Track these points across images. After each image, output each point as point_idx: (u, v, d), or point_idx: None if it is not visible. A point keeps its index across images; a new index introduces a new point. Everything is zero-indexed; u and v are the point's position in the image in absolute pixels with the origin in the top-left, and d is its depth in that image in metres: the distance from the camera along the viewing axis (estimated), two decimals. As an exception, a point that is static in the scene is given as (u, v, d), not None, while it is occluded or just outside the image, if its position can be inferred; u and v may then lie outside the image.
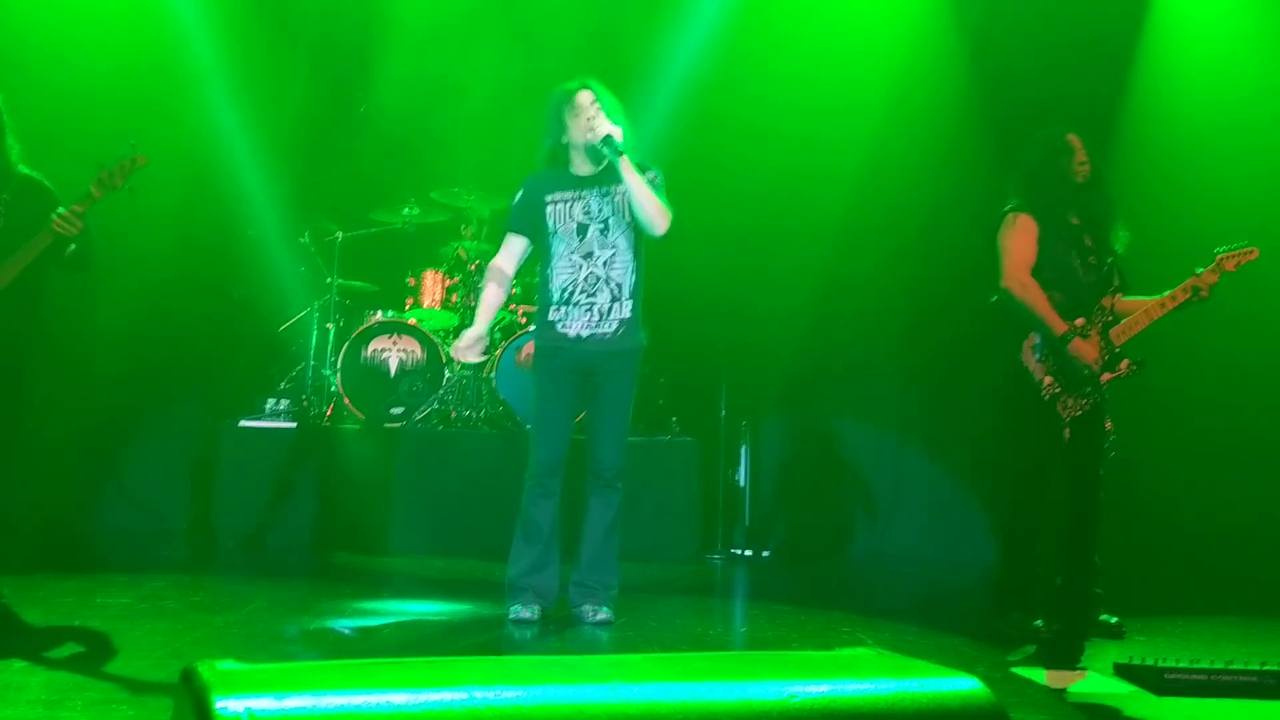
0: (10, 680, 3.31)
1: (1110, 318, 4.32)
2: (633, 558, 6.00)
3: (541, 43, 6.89)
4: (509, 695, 1.53)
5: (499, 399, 6.48)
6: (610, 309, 4.33)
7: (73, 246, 4.18)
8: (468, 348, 4.36)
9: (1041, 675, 3.86)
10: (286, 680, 1.52)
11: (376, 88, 7.04)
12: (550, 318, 4.37)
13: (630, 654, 3.67)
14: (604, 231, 4.33)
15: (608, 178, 4.32)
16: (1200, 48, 6.76)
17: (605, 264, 4.33)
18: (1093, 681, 3.83)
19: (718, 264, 6.99)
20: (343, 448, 6.25)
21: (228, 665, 1.59)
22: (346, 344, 6.55)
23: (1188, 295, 4.34)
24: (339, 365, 6.52)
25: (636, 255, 4.39)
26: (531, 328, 6.58)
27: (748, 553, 6.54)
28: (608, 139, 4.19)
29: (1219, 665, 3.64)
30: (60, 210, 4.09)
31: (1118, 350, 4.30)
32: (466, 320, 6.72)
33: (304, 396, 6.67)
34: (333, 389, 6.61)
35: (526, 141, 6.71)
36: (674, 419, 6.74)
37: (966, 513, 6.75)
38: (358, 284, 7.07)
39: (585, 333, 4.32)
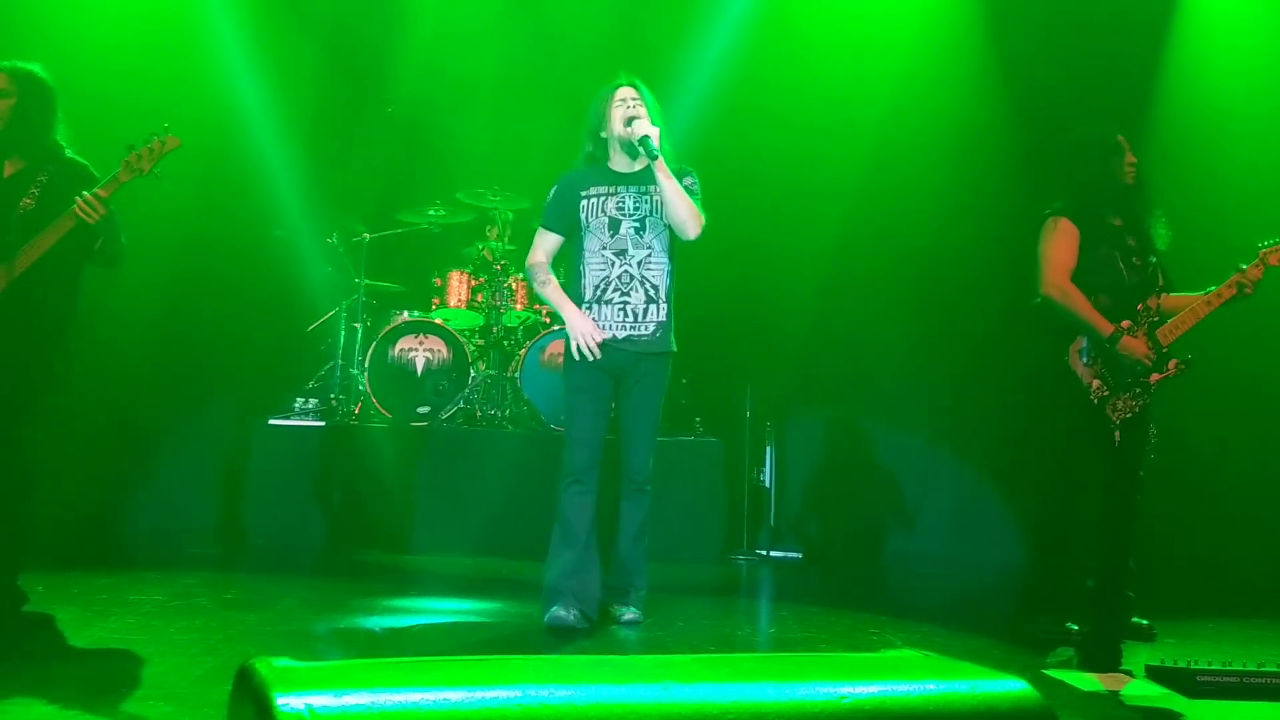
0: (47, 676, 3.35)
1: (1156, 318, 4.30)
2: (658, 558, 6.00)
3: (566, 43, 6.91)
4: (562, 694, 1.55)
5: (524, 398, 6.49)
6: (646, 310, 4.30)
7: (100, 240, 4.05)
8: (590, 330, 4.24)
9: (1074, 678, 3.86)
10: (344, 678, 1.54)
11: (403, 89, 7.07)
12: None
13: (680, 655, 3.68)
14: (639, 230, 4.30)
15: (646, 176, 4.27)
16: (1232, 36, 6.71)
17: (640, 264, 4.30)
18: (1127, 685, 3.83)
19: (741, 264, 7.00)
20: (370, 446, 6.28)
21: (284, 662, 1.60)
22: (374, 343, 6.58)
23: (1233, 292, 4.30)
24: (366, 364, 6.56)
25: (671, 258, 4.36)
26: (556, 328, 6.61)
27: (773, 553, 6.53)
28: (644, 139, 4.15)
29: (1251, 668, 3.63)
30: (84, 193, 3.93)
31: (1165, 350, 4.28)
32: (491, 320, 6.75)
33: (332, 395, 6.71)
34: (360, 388, 6.64)
35: (551, 142, 6.80)
36: (698, 419, 6.74)
37: (994, 514, 6.72)
38: (385, 284, 7.11)
39: (621, 334, 4.28)
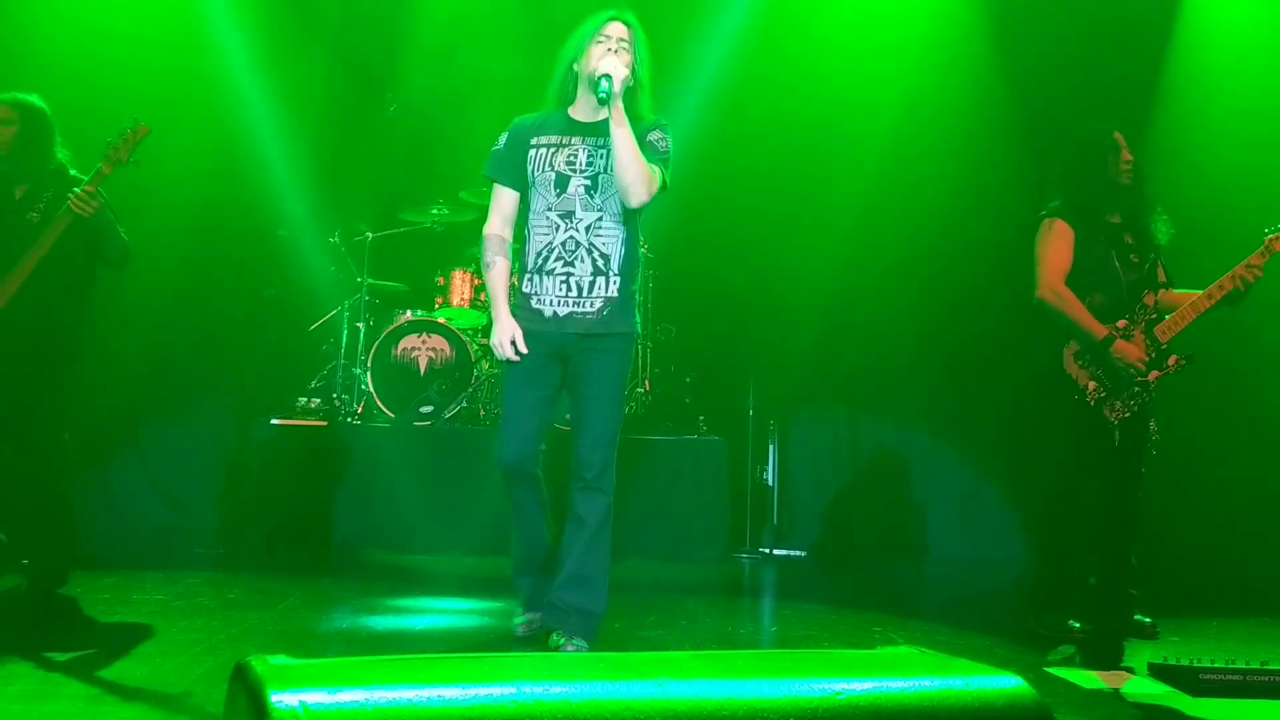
0: (50, 676, 3.36)
1: (1154, 315, 4.29)
2: (661, 557, 6.05)
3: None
4: (557, 690, 1.55)
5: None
6: (592, 284, 3.72)
7: (105, 238, 4.41)
8: (508, 341, 3.72)
9: (1076, 675, 3.85)
10: (339, 675, 1.54)
11: (405, 88, 7.08)
12: (524, 289, 3.81)
13: (677, 651, 3.67)
14: (590, 190, 3.71)
15: (608, 127, 3.63)
16: (1236, 32, 6.68)
17: (589, 229, 3.72)
18: (1128, 682, 3.82)
19: (745, 261, 7.01)
20: (373, 446, 6.28)
21: (280, 660, 1.61)
22: (376, 343, 6.59)
23: (1234, 284, 4.28)
24: (369, 364, 6.56)
25: (627, 225, 3.77)
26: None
27: (776, 552, 6.53)
28: (601, 78, 3.56)
29: (1254, 666, 3.62)
30: (74, 189, 4.27)
31: (1164, 347, 4.26)
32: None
33: (335, 395, 6.72)
34: (363, 387, 6.65)
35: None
36: (701, 418, 6.74)
37: (998, 512, 6.71)
38: (387, 283, 7.11)
39: (563, 311, 3.72)
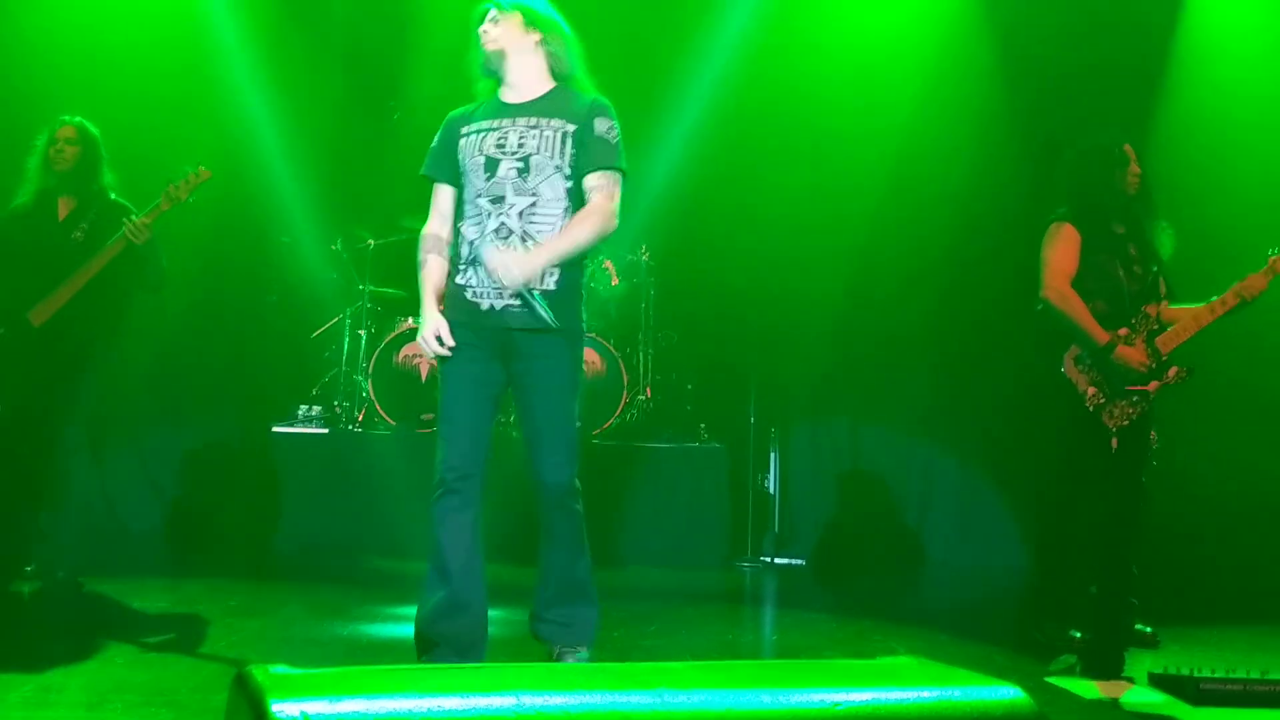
0: (50, 683, 3.37)
1: (1155, 325, 4.30)
2: (662, 564, 6.05)
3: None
4: (557, 701, 1.55)
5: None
6: None
7: (149, 265, 4.85)
8: (432, 336, 3.44)
9: (1076, 685, 3.86)
10: (339, 684, 1.55)
11: (409, 96, 7.08)
12: (457, 281, 3.52)
13: (675, 662, 3.67)
14: (522, 172, 3.44)
15: (541, 106, 3.50)
16: (1238, 44, 6.69)
17: (522, 214, 3.42)
18: (1128, 691, 3.82)
19: (746, 270, 7.00)
20: (374, 453, 6.29)
21: (280, 669, 1.61)
22: (378, 350, 6.60)
23: (1236, 300, 4.30)
24: (370, 371, 6.57)
25: (570, 211, 3.47)
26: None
27: (777, 560, 6.52)
28: (523, 296, 3.35)
29: (1255, 675, 3.62)
30: (132, 218, 4.74)
31: (1165, 358, 4.27)
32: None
33: (336, 402, 6.72)
34: (364, 395, 6.65)
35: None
36: (702, 425, 6.75)
37: (999, 520, 6.71)
38: (390, 291, 7.12)
39: (498, 304, 3.41)
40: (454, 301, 3.50)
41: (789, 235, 7.00)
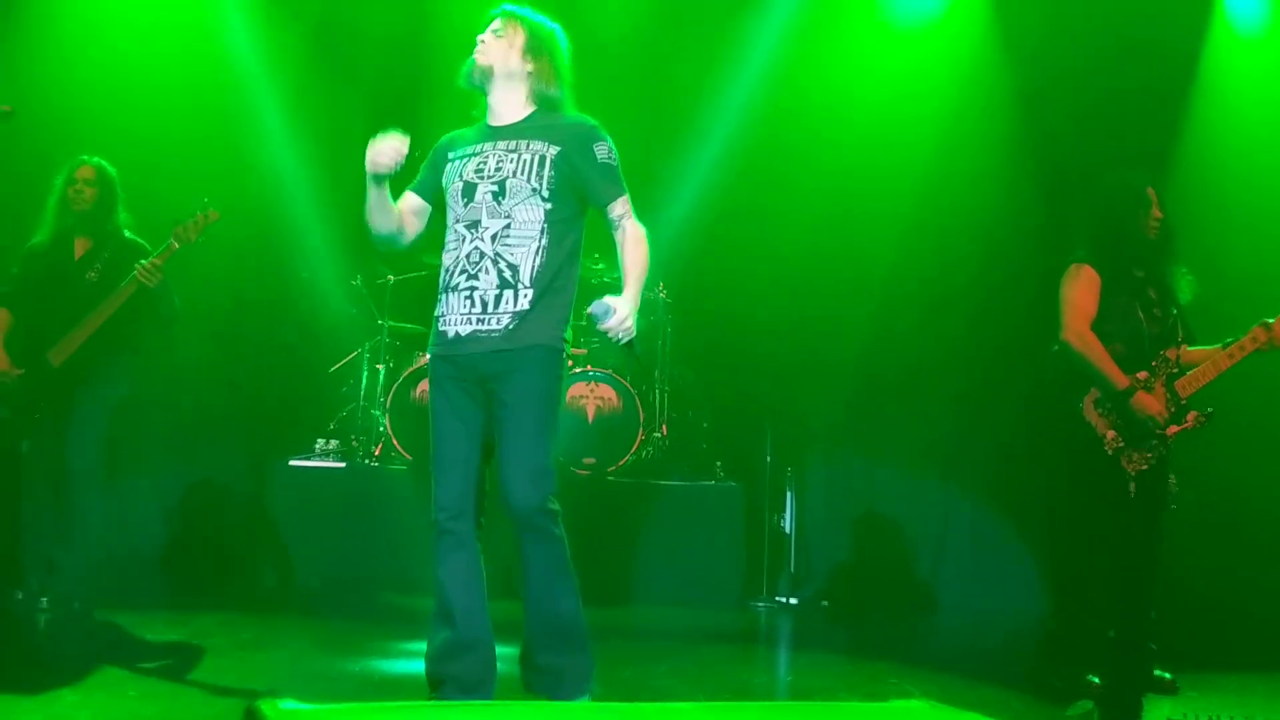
0: (60, 714, 3.36)
1: (1174, 369, 4.27)
2: (675, 603, 6.01)
3: (594, 86, 6.93)
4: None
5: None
6: (499, 298, 3.34)
7: (162, 304, 5.01)
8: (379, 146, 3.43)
9: (1093, 731, 3.81)
10: (342, 720, 1.54)
11: (429, 132, 7.13)
12: (436, 312, 3.49)
13: (684, 703, 3.63)
14: (497, 196, 3.38)
15: (524, 129, 3.46)
16: (1258, 81, 6.70)
17: (495, 237, 3.35)
18: (1146, 739, 3.77)
19: (763, 308, 7.00)
20: (390, 488, 6.29)
21: (290, 704, 1.61)
22: (396, 385, 6.62)
23: (1255, 345, 4.28)
24: (388, 406, 6.59)
25: (547, 233, 3.39)
26: (576, 370, 6.63)
27: (792, 600, 6.47)
28: (629, 344, 3.35)
29: (1276, 724, 3.57)
30: (143, 261, 4.90)
31: (1184, 402, 4.24)
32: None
33: (353, 436, 6.74)
34: (381, 429, 6.67)
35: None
36: (718, 464, 6.72)
37: (1015, 562, 6.64)
38: (408, 326, 7.15)
39: (465, 330, 3.36)
40: (433, 333, 3.50)
41: (807, 274, 7.01)
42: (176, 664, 4.08)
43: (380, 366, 6.88)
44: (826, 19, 7.10)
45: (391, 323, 6.97)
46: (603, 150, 3.45)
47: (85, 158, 5.17)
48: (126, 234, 5.20)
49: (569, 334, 3.47)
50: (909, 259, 6.90)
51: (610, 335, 3.25)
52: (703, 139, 7.15)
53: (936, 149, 6.88)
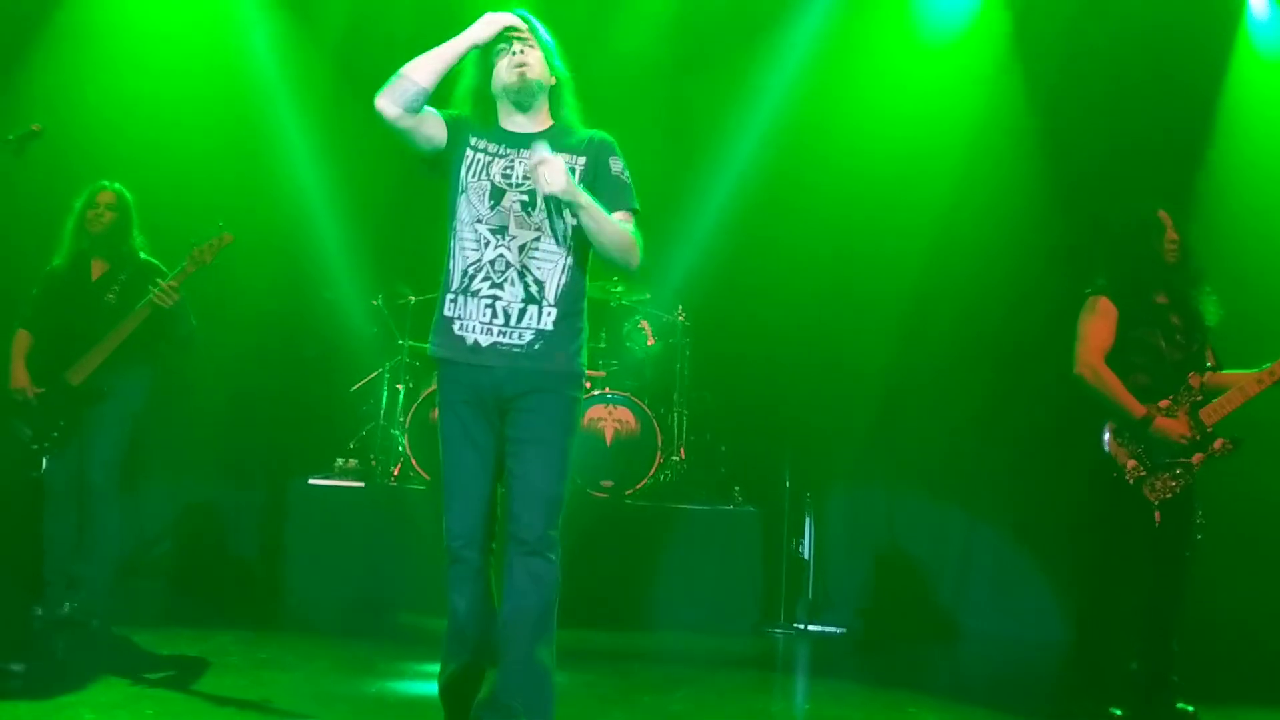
0: (80, 731, 3.37)
1: (1199, 397, 4.24)
2: (692, 629, 5.99)
3: (615, 107, 6.93)
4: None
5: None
6: (522, 312, 3.25)
7: (180, 325, 5.11)
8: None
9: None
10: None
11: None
12: (445, 312, 3.33)
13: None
14: (527, 207, 3.27)
15: (549, 138, 3.26)
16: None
17: (524, 249, 3.25)
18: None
19: (782, 331, 6.99)
20: (409, 508, 6.30)
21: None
22: (415, 405, 6.63)
23: None
24: (407, 425, 6.60)
25: (573, 253, 3.31)
26: (596, 392, 6.63)
27: (811, 627, 6.43)
28: (552, 200, 3.21)
29: (1301, 760, 3.52)
30: (160, 282, 5.01)
31: (1210, 430, 4.21)
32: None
33: (372, 456, 6.75)
34: (400, 449, 6.68)
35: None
36: (737, 488, 6.70)
37: (1037, 592, 6.59)
38: (428, 346, 7.17)
39: (485, 340, 3.24)
40: (444, 336, 3.33)
41: (826, 297, 7.00)
42: (194, 682, 4.09)
43: (400, 386, 6.90)
44: (852, 36, 7.09)
45: (412, 343, 6.99)
46: (617, 165, 3.38)
47: (104, 183, 5.30)
48: (142, 255, 5.33)
49: (585, 358, 3.39)
50: (930, 284, 6.88)
51: (527, 171, 3.17)
52: (722, 163, 7.16)
53: (957, 174, 6.86)
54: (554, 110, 3.45)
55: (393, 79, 3.27)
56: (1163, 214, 4.40)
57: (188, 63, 6.95)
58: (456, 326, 3.28)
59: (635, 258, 3.29)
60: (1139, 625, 4.30)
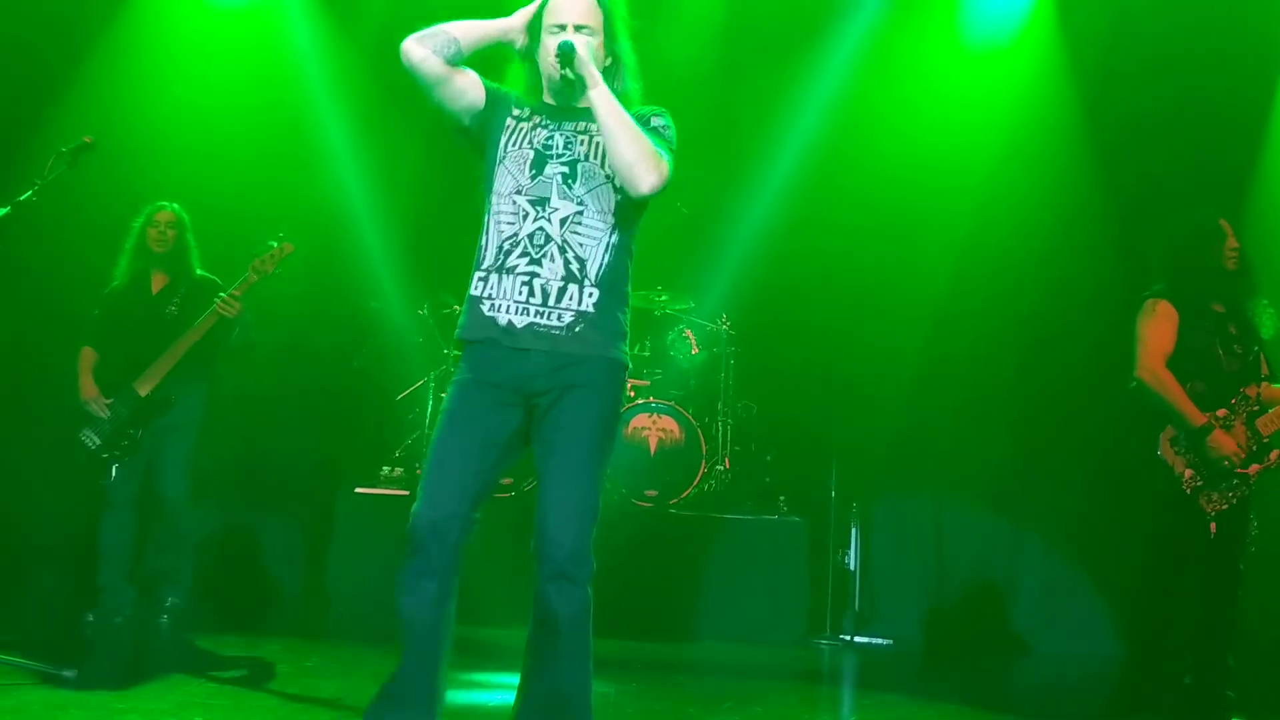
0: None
1: (1256, 407, 4.17)
2: (737, 640, 5.95)
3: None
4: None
5: (606, 472, 6.48)
6: (562, 291, 2.97)
7: (236, 330, 5.30)
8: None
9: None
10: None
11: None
12: (474, 291, 3.05)
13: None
14: (568, 178, 3.02)
15: (589, 114, 3.03)
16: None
17: (565, 222, 2.99)
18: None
19: (827, 340, 6.95)
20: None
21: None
22: (460, 414, 6.64)
23: None
24: (452, 435, 6.61)
25: (617, 230, 3.04)
26: (639, 401, 6.61)
27: (857, 639, 6.37)
28: (564, 52, 2.97)
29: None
30: (222, 294, 5.24)
31: (1266, 440, 4.13)
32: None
33: (417, 465, 6.78)
34: (445, 458, 6.69)
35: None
36: (782, 498, 6.67)
37: (1088, 604, 6.49)
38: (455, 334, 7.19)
39: (520, 321, 2.95)
40: (473, 316, 3.03)
41: (871, 305, 6.96)
42: (241, 690, 4.11)
43: (445, 395, 6.92)
44: (898, 44, 7.07)
45: (456, 352, 7.02)
46: (655, 120, 3.09)
47: (164, 203, 5.55)
48: (198, 271, 5.59)
49: (628, 348, 3.09)
50: (978, 293, 6.82)
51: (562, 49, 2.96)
52: (767, 171, 7.15)
53: (1004, 182, 6.82)
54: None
55: (429, 28, 3.06)
56: (1223, 222, 4.36)
57: (231, 79, 7.07)
58: (486, 307, 2.99)
59: (651, 171, 2.90)
60: (1193, 639, 4.21)
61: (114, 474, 5.32)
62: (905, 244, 6.92)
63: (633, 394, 6.87)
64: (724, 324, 6.93)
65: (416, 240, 7.24)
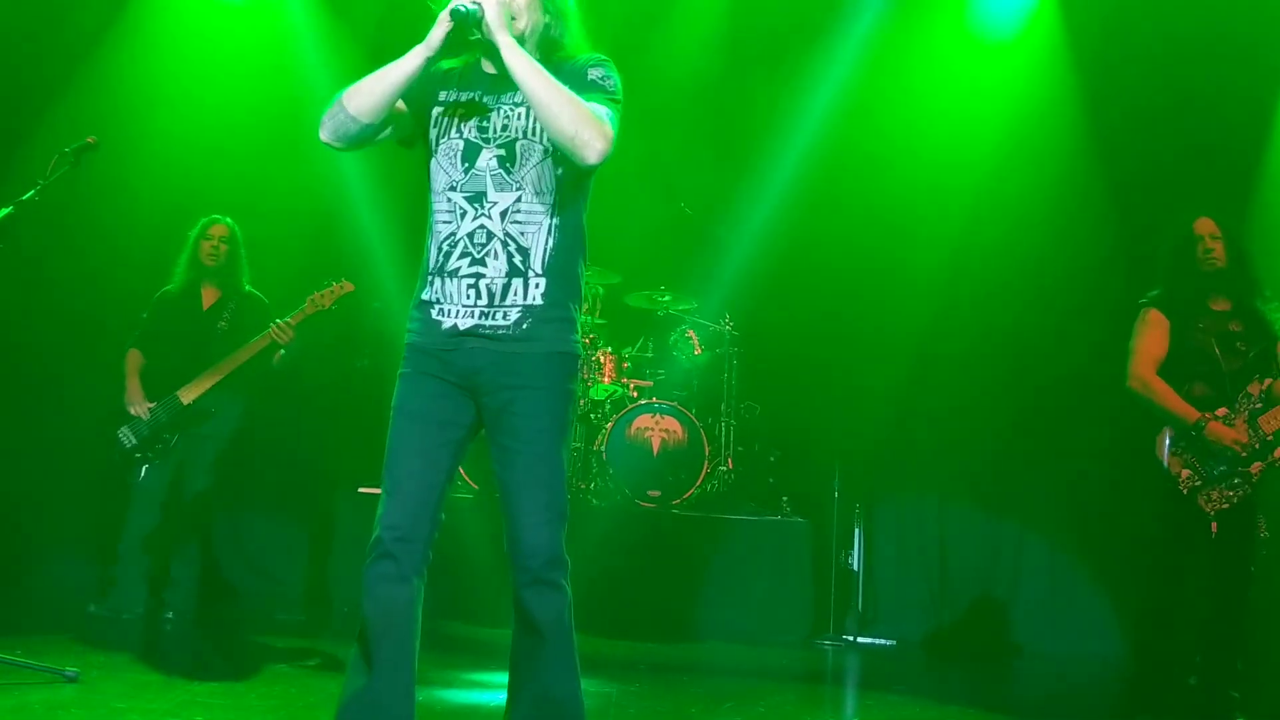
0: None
1: (1258, 404, 4.16)
2: (740, 640, 5.94)
3: (664, 114, 6.92)
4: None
5: (609, 472, 6.48)
6: (507, 287, 2.80)
7: (282, 352, 5.48)
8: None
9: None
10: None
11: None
12: (424, 296, 2.90)
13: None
14: (505, 162, 2.80)
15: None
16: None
17: (505, 214, 2.79)
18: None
19: (830, 341, 6.94)
20: (457, 516, 6.26)
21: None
22: (463, 414, 6.64)
23: None
24: (454, 435, 6.60)
25: (559, 210, 2.84)
26: (643, 401, 6.60)
27: (860, 640, 6.36)
28: (461, 16, 2.71)
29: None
30: (278, 320, 5.43)
31: (1269, 438, 4.12)
32: (579, 393, 6.75)
33: (419, 465, 6.76)
34: (448, 458, 6.68)
35: (643, 216, 6.84)
36: (785, 499, 6.66)
37: (1093, 605, 6.47)
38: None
39: (465, 324, 2.81)
40: (419, 321, 2.89)
41: (875, 306, 6.94)
42: (243, 690, 4.11)
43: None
44: (903, 43, 7.05)
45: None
46: (595, 71, 2.85)
47: (218, 217, 5.71)
48: (247, 287, 5.77)
49: (580, 336, 2.92)
50: (983, 292, 6.81)
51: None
52: (770, 171, 7.14)
53: (1010, 180, 6.80)
54: (546, 52, 2.90)
55: (331, 104, 2.87)
56: (1204, 222, 4.40)
57: (233, 68, 7.03)
58: (434, 311, 2.85)
59: (596, 138, 2.68)
60: (1198, 639, 4.20)
61: (144, 474, 5.47)
62: (909, 243, 6.91)
63: (635, 394, 6.87)
64: (727, 324, 6.92)
65: (418, 239, 7.22)
